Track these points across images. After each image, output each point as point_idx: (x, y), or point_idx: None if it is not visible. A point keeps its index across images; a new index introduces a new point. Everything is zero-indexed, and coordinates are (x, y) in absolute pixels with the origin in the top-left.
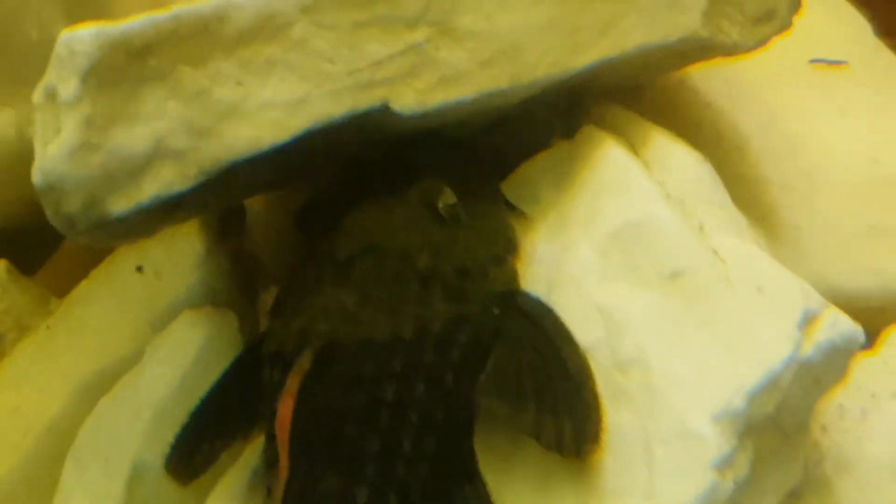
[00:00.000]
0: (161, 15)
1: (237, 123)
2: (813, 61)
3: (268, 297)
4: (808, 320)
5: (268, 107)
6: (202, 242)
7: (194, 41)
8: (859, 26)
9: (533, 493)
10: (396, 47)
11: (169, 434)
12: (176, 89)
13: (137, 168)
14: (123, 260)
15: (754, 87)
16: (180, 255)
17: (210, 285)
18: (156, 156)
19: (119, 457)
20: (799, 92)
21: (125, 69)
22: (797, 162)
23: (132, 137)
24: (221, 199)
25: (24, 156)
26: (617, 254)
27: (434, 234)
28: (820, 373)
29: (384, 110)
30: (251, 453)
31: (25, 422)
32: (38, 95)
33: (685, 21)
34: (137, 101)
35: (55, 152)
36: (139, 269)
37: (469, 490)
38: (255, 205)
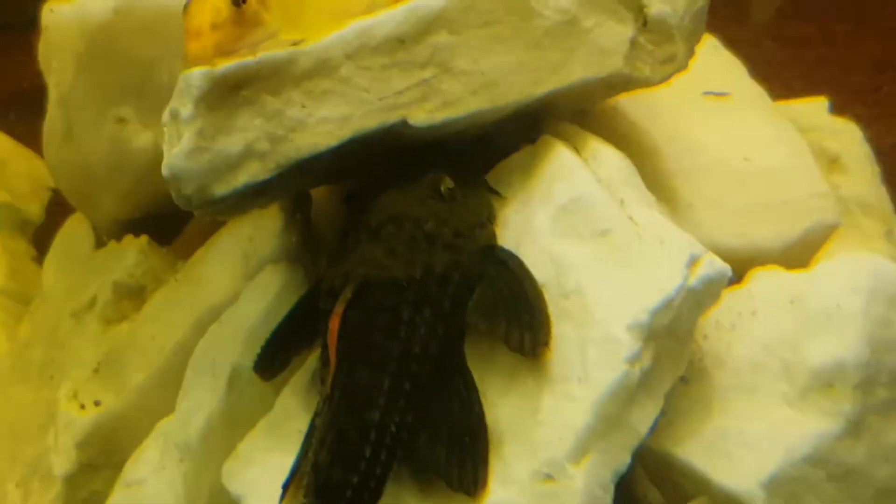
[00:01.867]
0: (249, 60)
1: (302, 133)
2: (705, 93)
3: (324, 257)
4: (693, 261)
5: (323, 122)
6: (281, 218)
7: (273, 78)
8: (739, 69)
9: (504, 382)
10: (412, 81)
11: (257, 348)
12: (260, 111)
13: (233, 164)
14: (228, 233)
15: (665, 110)
16: (266, 227)
17: (286, 248)
18: (246, 156)
19: (222, 364)
20: (695, 114)
21: (225, 97)
22: (694, 161)
23: (230, 143)
24: (293, 188)
25: (159, 162)
26: (563, 220)
27: (437, 209)
28: (701, 297)
29: (404, 124)
30: (312, 359)
31: (159, 345)
32: (165, 116)
33: (612, 62)
34: (234, 118)
35: (177, 153)
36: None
37: (460, 380)
38: (316, 193)
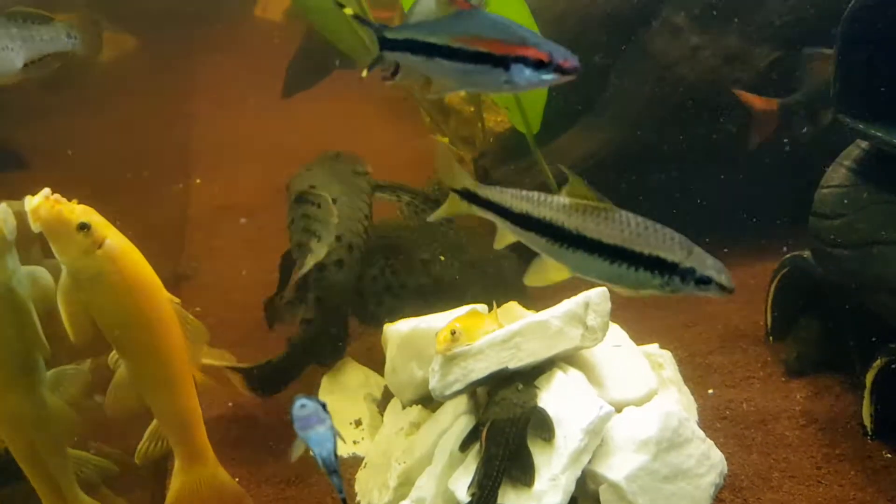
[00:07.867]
0: (455, 351)
1: (472, 373)
2: (613, 346)
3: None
4: (601, 406)
5: (479, 369)
6: (467, 398)
7: (463, 356)
8: (623, 334)
9: (540, 451)
10: (508, 354)
11: (459, 442)
12: (458, 366)
13: (451, 384)
14: (444, 407)
15: (596, 353)
16: (461, 400)
17: (466, 409)
18: (454, 381)
19: (447, 447)
20: (608, 352)
21: (448, 362)
22: (611, 370)
23: (450, 377)
24: (472, 389)
25: (424, 382)
26: (559, 397)
27: (519, 395)
28: (604, 419)
29: (506, 368)
30: (476, 447)
31: (426, 441)
32: (429, 368)
33: (575, 342)
34: (450, 369)
35: (434, 381)
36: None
37: (526, 451)
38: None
